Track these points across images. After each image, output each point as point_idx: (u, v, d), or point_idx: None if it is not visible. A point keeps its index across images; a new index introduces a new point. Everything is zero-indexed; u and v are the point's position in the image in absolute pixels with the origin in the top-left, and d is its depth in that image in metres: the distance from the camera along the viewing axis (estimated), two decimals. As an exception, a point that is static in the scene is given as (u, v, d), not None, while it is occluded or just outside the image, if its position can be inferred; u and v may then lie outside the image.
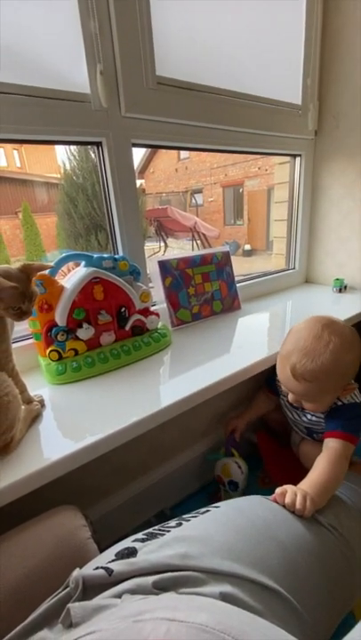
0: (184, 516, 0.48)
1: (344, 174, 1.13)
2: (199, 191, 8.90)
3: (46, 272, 0.66)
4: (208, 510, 0.49)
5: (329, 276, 1.23)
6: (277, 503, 0.53)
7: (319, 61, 1.07)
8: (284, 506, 0.52)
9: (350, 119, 1.07)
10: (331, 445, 0.64)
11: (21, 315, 0.52)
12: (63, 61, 0.65)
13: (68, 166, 3.57)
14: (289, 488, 0.54)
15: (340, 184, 1.15)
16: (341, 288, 1.16)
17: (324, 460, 0.62)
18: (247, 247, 7.04)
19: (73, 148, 3.47)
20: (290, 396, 0.71)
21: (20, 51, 0.60)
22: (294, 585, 0.40)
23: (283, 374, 0.68)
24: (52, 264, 0.56)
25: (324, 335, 0.63)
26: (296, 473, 0.87)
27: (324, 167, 1.18)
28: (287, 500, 0.52)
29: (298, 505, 0.51)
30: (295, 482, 0.57)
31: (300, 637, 0.29)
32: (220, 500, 0.53)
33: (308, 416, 0.76)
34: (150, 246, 4.85)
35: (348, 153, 1.10)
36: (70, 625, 0.30)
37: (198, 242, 4.87)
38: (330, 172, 1.17)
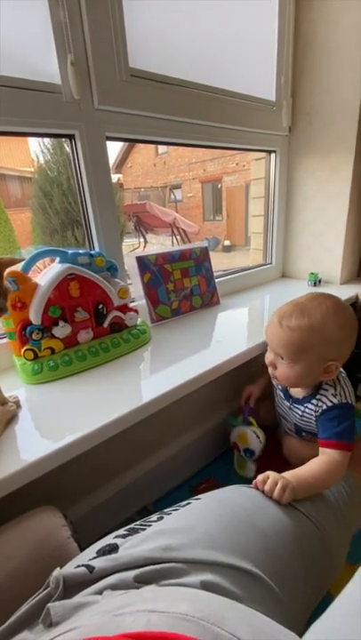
0: (165, 510, 0.49)
1: (317, 171, 1.16)
2: (178, 187, 8.87)
3: (19, 268, 0.64)
4: (189, 503, 0.50)
5: (304, 271, 1.26)
6: (257, 489, 0.54)
7: (292, 58, 1.09)
8: (262, 492, 0.53)
9: (323, 117, 1.09)
10: (330, 453, 0.62)
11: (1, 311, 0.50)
12: (32, 50, 0.63)
13: (41, 159, 3.46)
14: (271, 475, 0.54)
15: (314, 180, 1.18)
16: (316, 282, 1.20)
17: (323, 465, 0.59)
18: (227, 243, 7.10)
19: (46, 140, 3.36)
20: (267, 355, 0.69)
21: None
22: (273, 569, 0.42)
23: (270, 327, 0.67)
24: (22, 258, 0.54)
25: (320, 298, 0.64)
26: (278, 464, 0.89)
27: (298, 163, 1.20)
28: (266, 487, 0.53)
29: (275, 494, 0.52)
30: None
31: (278, 619, 0.30)
32: (201, 492, 0.54)
33: (300, 410, 0.72)
34: (130, 242, 4.80)
35: (321, 150, 1.13)
36: (51, 624, 0.30)
37: (178, 237, 4.86)
38: (304, 169, 1.19)
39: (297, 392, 0.73)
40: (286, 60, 1.07)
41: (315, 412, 0.69)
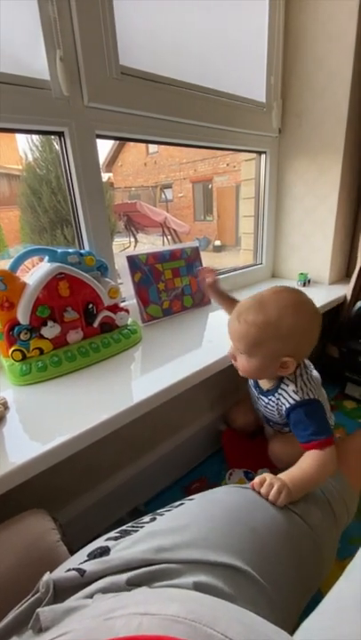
0: (158, 511, 0.49)
1: (307, 172, 1.17)
2: (169, 186, 8.86)
3: (7, 267, 0.63)
4: (182, 503, 0.50)
5: (294, 271, 1.28)
6: (253, 490, 0.54)
7: (282, 60, 1.10)
8: (259, 493, 0.53)
9: (312, 119, 1.10)
10: (315, 453, 0.61)
11: None
12: (19, 45, 0.62)
13: (30, 157, 3.40)
14: (268, 478, 0.54)
15: (303, 182, 1.19)
16: (305, 282, 1.21)
17: (313, 464, 0.59)
18: (217, 243, 7.12)
19: (35, 137, 3.31)
20: (229, 348, 0.69)
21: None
22: (265, 567, 0.42)
23: (230, 320, 0.66)
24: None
25: (282, 293, 0.63)
26: (258, 463, 0.90)
27: (288, 165, 1.21)
28: (263, 490, 0.53)
29: (271, 496, 0.52)
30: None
31: (270, 617, 0.30)
32: (193, 493, 0.54)
33: (265, 401, 0.73)
34: (121, 241, 4.77)
35: (310, 152, 1.14)
36: (40, 630, 0.29)
37: (169, 237, 4.85)
38: (293, 170, 1.20)
39: (263, 383, 0.73)
40: (276, 61, 1.08)
41: (277, 405, 0.69)
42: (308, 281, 1.22)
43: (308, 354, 0.66)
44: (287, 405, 0.67)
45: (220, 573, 0.37)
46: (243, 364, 0.66)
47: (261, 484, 0.54)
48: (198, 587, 0.34)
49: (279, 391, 0.68)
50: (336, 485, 0.62)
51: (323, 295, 1.11)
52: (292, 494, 0.53)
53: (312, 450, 0.62)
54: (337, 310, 1.15)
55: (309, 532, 0.52)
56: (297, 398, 0.65)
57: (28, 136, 3.38)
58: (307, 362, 0.72)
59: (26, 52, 0.62)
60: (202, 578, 0.35)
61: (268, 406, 0.73)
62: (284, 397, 0.67)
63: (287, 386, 0.67)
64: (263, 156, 1.21)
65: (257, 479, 0.55)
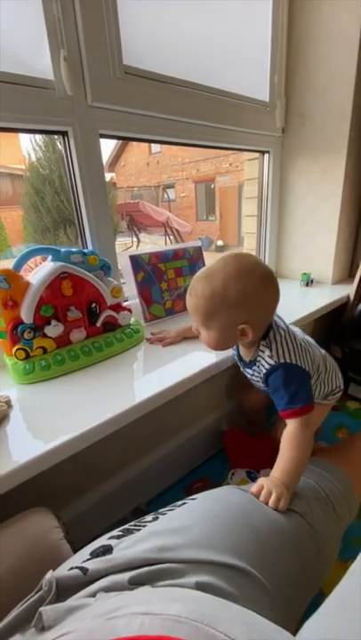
0: (160, 510, 0.49)
1: (310, 171, 1.17)
2: (171, 186, 8.86)
3: (10, 267, 0.63)
4: (185, 503, 0.50)
5: (297, 271, 1.27)
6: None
7: (286, 59, 1.09)
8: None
9: (315, 118, 1.10)
10: (288, 427, 0.62)
11: None
12: (24, 45, 0.62)
13: (33, 157, 3.42)
14: (265, 485, 0.54)
15: (306, 181, 1.18)
16: (308, 282, 1.21)
17: (287, 444, 0.60)
18: (220, 243, 7.12)
19: (38, 137, 3.33)
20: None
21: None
22: (267, 567, 0.42)
23: (187, 294, 0.65)
24: None
25: (227, 260, 0.61)
26: (261, 463, 0.90)
27: (291, 164, 1.21)
28: (262, 498, 0.53)
29: (271, 504, 0.52)
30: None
31: (272, 617, 0.30)
32: (195, 492, 0.54)
33: (249, 372, 0.71)
34: (123, 241, 4.77)
35: (313, 151, 1.14)
36: (43, 628, 0.29)
37: (171, 237, 4.85)
38: (296, 169, 1.20)
39: (244, 354, 0.72)
40: (280, 60, 1.07)
41: (260, 374, 0.68)
42: (311, 281, 1.22)
43: (267, 318, 0.64)
44: (264, 371, 0.65)
45: (222, 573, 0.37)
46: (205, 337, 0.65)
47: (259, 491, 0.54)
48: (200, 586, 0.34)
49: (258, 359, 0.66)
50: (338, 485, 0.62)
51: (326, 295, 1.11)
52: (290, 489, 0.54)
53: (287, 420, 0.62)
54: (340, 310, 1.15)
55: (311, 532, 0.52)
56: (272, 362, 0.63)
57: (32, 136, 3.39)
58: (292, 327, 0.69)
59: (30, 51, 0.63)
60: (204, 578, 0.35)
61: (254, 377, 0.71)
62: (261, 365, 0.66)
63: (263, 352, 0.65)
64: (266, 156, 1.20)
65: (254, 488, 0.55)
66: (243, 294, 0.58)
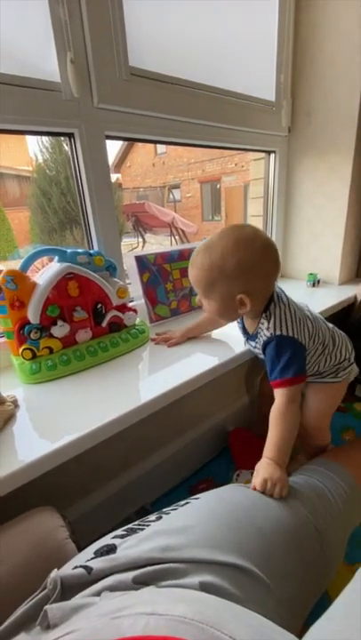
0: (164, 510, 0.49)
1: (316, 171, 1.16)
2: (177, 186, 8.86)
3: (17, 267, 0.64)
4: (188, 502, 0.50)
5: (303, 271, 1.26)
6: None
7: (292, 59, 1.09)
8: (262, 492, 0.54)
9: (322, 117, 1.09)
10: (276, 401, 0.63)
11: None
12: (31, 48, 0.63)
13: (40, 158, 3.45)
14: (267, 478, 0.55)
15: (313, 180, 1.18)
16: (315, 282, 1.20)
17: (274, 420, 0.62)
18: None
19: (45, 139, 3.36)
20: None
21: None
22: (271, 568, 0.42)
23: (188, 266, 0.66)
24: None
25: (226, 231, 0.62)
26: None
27: (297, 164, 1.20)
28: (268, 493, 0.54)
29: (276, 495, 0.53)
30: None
31: (276, 619, 0.29)
32: (199, 492, 0.54)
33: (253, 343, 0.71)
34: (128, 242, 4.79)
35: (319, 151, 1.13)
36: (48, 626, 0.29)
37: (177, 237, 4.85)
38: (303, 169, 1.19)
39: (248, 326, 0.72)
40: (286, 60, 1.07)
41: (261, 346, 0.68)
42: (318, 281, 1.21)
43: (266, 289, 0.64)
44: (261, 344, 0.67)
45: (226, 574, 0.37)
46: (207, 308, 0.67)
47: (264, 487, 0.54)
48: (204, 587, 0.34)
49: (258, 331, 0.68)
50: (345, 486, 0.62)
51: (333, 295, 1.10)
52: (283, 466, 0.57)
53: (276, 390, 0.63)
54: (347, 311, 1.14)
55: (316, 533, 0.51)
56: (268, 334, 0.65)
57: (39, 138, 3.42)
58: (297, 301, 0.69)
59: (37, 54, 0.63)
60: (208, 578, 0.35)
61: (257, 349, 0.72)
62: (261, 337, 0.67)
63: (263, 324, 0.66)
64: (272, 156, 1.20)
65: (258, 484, 0.55)
66: (240, 266, 0.59)
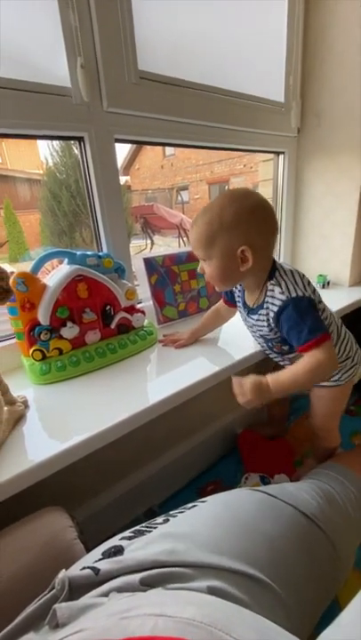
0: (171, 513, 0.49)
1: (326, 172, 1.15)
2: (185, 188, 8.88)
3: (28, 269, 0.65)
4: (195, 505, 0.50)
5: (313, 272, 1.25)
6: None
7: (301, 59, 1.08)
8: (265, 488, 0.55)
9: (331, 118, 1.08)
10: (310, 354, 0.60)
11: (4, 294, 0.51)
12: (42, 54, 0.64)
13: (50, 162, 3.50)
14: (244, 383, 0.61)
15: (322, 181, 1.16)
16: (325, 284, 1.19)
17: (303, 363, 0.60)
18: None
19: (55, 143, 3.40)
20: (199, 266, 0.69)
21: (-4, 41, 0.59)
22: (279, 575, 0.41)
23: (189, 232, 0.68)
24: (6, 240, 0.55)
25: (224, 192, 0.64)
26: (275, 468, 0.89)
27: (306, 165, 1.19)
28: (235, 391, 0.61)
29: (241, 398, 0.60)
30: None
31: (285, 626, 0.29)
32: (208, 494, 0.54)
33: (255, 318, 0.70)
34: (137, 244, 4.81)
35: (329, 151, 1.12)
36: (57, 626, 0.30)
37: (185, 239, 4.85)
38: (312, 170, 1.18)
39: (249, 299, 0.71)
40: (295, 60, 1.06)
41: (267, 317, 0.67)
42: (328, 283, 1.19)
43: (267, 245, 0.64)
44: (276, 310, 0.64)
45: (234, 580, 0.37)
46: (208, 272, 0.66)
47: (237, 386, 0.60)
48: (212, 591, 0.34)
49: (266, 300, 0.66)
50: (355, 491, 0.61)
51: (343, 298, 1.08)
52: (270, 390, 0.60)
53: (309, 352, 0.61)
54: (358, 313, 1.12)
55: (325, 539, 0.50)
56: (283, 298, 0.63)
57: (49, 141, 3.47)
58: (295, 269, 0.68)
59: (48, 60, 0.64)
60: (216, 583, 0.35)
61: (258, 324, 0.70)
62: (272, 304, 0.65)
63: (273, 291, 0.64)
64: (281, 157, 1.19)
65: (235, 386, 0.61)
66: (238, 215, 0.60)
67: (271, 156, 1.21)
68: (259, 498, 0.53)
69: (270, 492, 0.55)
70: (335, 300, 1.05)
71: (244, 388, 0.61)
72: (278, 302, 0.63)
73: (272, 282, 0.65)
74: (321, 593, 0.48)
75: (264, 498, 0.53)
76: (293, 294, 0.62)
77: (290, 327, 0.62)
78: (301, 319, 0.61)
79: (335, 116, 1.07)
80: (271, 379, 0.61)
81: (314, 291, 0.66)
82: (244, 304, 0.73)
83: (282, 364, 0.78)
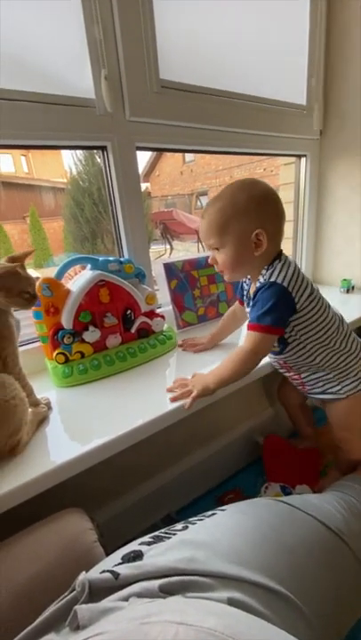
0: (190, 519, 0.48)
1: (350, 174, 1.12)
2: (204, 193, 8.90)
3: (53, 275, 0.67)
4: (214, 513, 0.49)
5: (336, 277, 1.22)
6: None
7: (324, 61, 1.07)
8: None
9: (356, 119, 1.06)
10: (243, 341, 0.63)
11: (30, 299, 0.53)
12: (68, 67, 0.66)
13: (74, 171, 3.61)
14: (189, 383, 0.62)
15: (347, 184, 1.14)
16: (349, 288, 1.15)
17: (231, 354, 0.63)
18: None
19: (79, 152, 3.51)
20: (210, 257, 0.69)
21: (26, 58, 0.61)
22: (302, 589, 0.40)
23: (199, 223, 0.68)
24: (32, 250, 0.57)
25: (234, 182, 0.64)
26: (299, 478, 0.85)
27: (329, 167, 1.17)
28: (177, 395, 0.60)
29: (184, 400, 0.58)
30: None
31: (310, 643, 0.28)
32: (227, 503, 0.53)
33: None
34: (156, 249, 4.86)
35: (353, 153, 1.09)
36: (77, 627, 0.30)
37: (204, 243, 4.86)
38: (336, 172, 1.16)
39: (253, 289, 0.69)
40: (318, 62, 1.05)
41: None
42: (353, 287, 1.16)
43: (278, 229, 0.64)
44: (255, 288, 0.65)
45: (255, 592, 0.36)
46: (222, 260, 0.65)
47: (181, 385, 0.61)
48: (233, 603, 0.33)
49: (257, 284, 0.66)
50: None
51: (368, 302, 1.05)
52: (210, 386, 0.60)
53: (248, 333, 0.63)
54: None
55: (350, 553, 0.48)
56: (262, 281, 0.64)
57: (73, 151, 3.59)
58: (296, 266, 0.66)
59: (73, 73, 0.67)
60: (236, 594, 0.34)
61: None
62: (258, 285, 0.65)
63: (262, 276, 0.65)
64: (303, 160, 1.18)
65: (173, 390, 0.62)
66: (251, 199, 0.61)
67: (293, 159, 1.20)
68: (281, 508, 0.52)
69: (293, 502, 0.53)
70: (360, 306, 1.02)
71: (189, 384, 0.62)
72: (259, 284, 0.64)
73: (267, 267, 0.65)
74: (345, 608, 0.46)
75: (286, 509, 0.51)
76: (272, 279, 0.62)
77: (255, 303, 0.63)
78: (263, 301, 0.62)
79: (360, 117, 1.05)
80: (209, 373, 0.64)
81: (305, 289, 0.63)
82: (248, 296, 0.72)
83: (277, 367, 0.76)
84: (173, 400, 0.60)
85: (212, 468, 0.93)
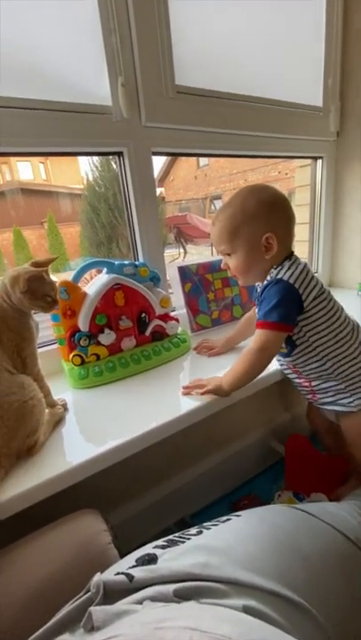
0: (205, 524, 0.47)
1: (369, 175, 1.10)
2: (219, 197, 8.90)
3: (70, 279, 0.68)
4: (229, 519, 0.48)
5: (353, 280, 1.19)
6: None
7: (341, 61, 1.05)
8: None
9: (374, 118, 1.04)
10: (250, 344, 0.63)
11: (52, 303, 0.55)
12: (86, 76, 0.68)
13: (90, 177, 3.68)
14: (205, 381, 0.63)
15: (365, 185, 1.11)
16: (367, 292, 1.12)
17: (240, 358, 0.63)
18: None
19: (95, 158, 3.57)
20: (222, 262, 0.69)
21: (45, 68, 0.63)
22: (317, 597, 0.39)
23: (210, 230, 0.69)
24: (56, 256, 0.59)
25: (242, 188, 0.65)
26: (318, 484, 0.82)
27: (347, 169, 1.15)
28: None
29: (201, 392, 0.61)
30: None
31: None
32: (241, 509, 0.52)
33: None
34: (170, 253, 4.89)
35: (372, 153, 1.07)
36: (92, 629, 0.30)
37: (218, 247, 4.85)
38: (353, 174, 1.14)
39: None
40: (334, 62, 1.04)
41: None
42: (371, 290, 1.13)
43: (288, 232, 0.64)
44: (262, 285, 0.65)
45: (270, 601, 0.35)
46: (234, 265, 0.66)
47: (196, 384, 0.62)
48: (248, 611, 0.32)
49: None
50: None
51: (388, 306, 1.02)
52: (225, 391, 0.61)
53: (257, 331, 0.62)
54: None
55: None
56: (269, 279, 0.64)
57: (89, 158, 3.67)
58: (307, 267, 0.65)
59: (91, 81, 0.68)
60: (251, 602, 0.33)
61: None
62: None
63: (271, 274, 0.64)
64: (319, 162, 1.16)
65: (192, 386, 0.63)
66: (260, 205, 0.61)
67: (308, 161, 1.19)
68: (297, 516, 0.50)
69: (309, 510, 0.52)
70: (380, 309, 0.99)
71: (204, 381, 0.64)
72: (266, 282, 0.64)
73: (276, 266, 0.64)
74: None
75: (303, 516, 0.50)
76: (279, 277, 0.62)
77: (261, 301, 0.64)
78: (269, 298, 0.62)
79: (378, 117, 1.03)
80: (221, 376, 0.64)
81: (314, 288, 0.62)
82: (256, 296, 0.71)
83: (284, 370, 0.74)
84: (185, 390, 0.62)
85: (227, 472, 0.92)
